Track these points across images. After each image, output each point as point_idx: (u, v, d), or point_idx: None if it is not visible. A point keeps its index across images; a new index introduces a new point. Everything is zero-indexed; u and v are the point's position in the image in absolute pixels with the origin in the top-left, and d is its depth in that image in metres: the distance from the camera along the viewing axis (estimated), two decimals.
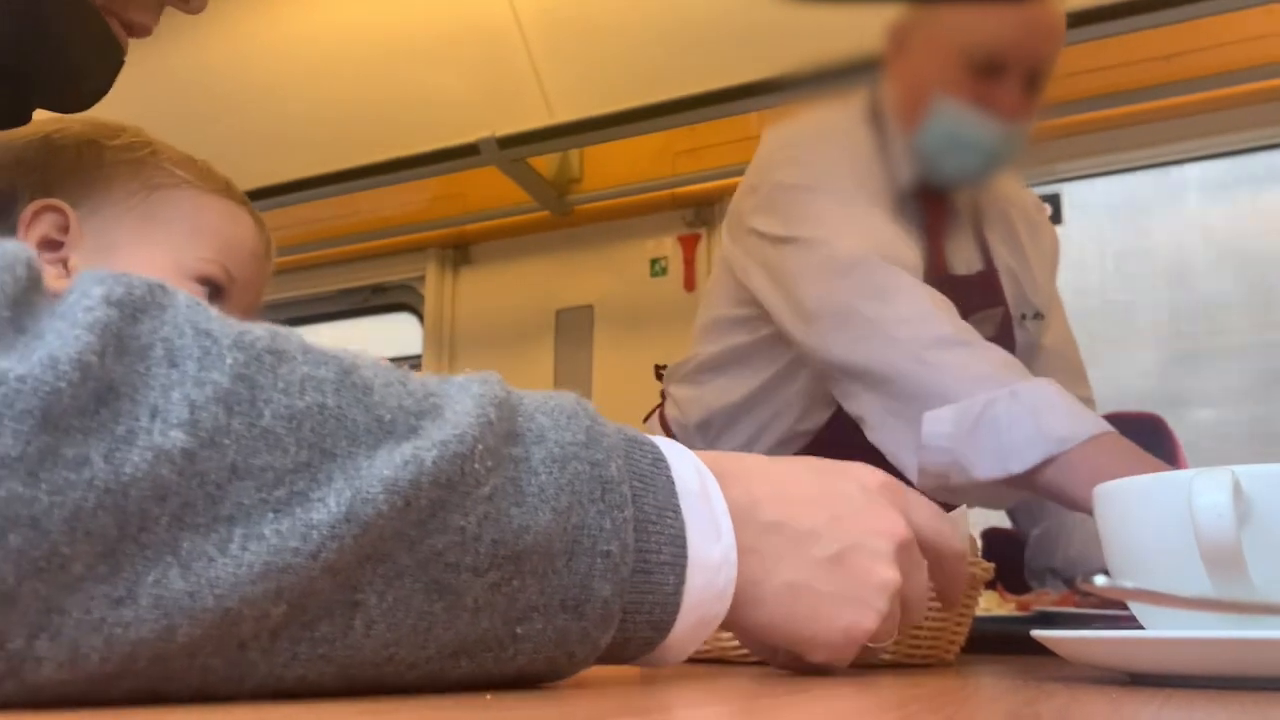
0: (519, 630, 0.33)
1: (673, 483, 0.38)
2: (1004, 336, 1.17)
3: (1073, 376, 1.25)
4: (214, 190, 0.73)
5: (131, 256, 0.67)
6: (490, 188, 2.41)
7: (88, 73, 0.59)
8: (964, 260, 1.19)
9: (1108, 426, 0.82)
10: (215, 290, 0.70)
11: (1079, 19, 1.64)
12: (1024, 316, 1.21)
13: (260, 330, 0.29)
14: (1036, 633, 0.49)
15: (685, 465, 0.39)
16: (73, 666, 0.25)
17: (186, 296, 0.29)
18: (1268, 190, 1.97)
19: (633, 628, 0.37)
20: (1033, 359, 1.21)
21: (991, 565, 0.67)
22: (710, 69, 1.87)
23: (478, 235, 2.58)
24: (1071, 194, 2.10)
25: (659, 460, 0.39)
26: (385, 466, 0.29)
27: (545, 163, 2.39)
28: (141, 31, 0.59)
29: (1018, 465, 0.82)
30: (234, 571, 0.26)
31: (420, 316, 2.66)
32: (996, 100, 1.06)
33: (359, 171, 2.23)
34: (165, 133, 0.74)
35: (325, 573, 0.28)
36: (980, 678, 0.51)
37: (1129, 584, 0.48)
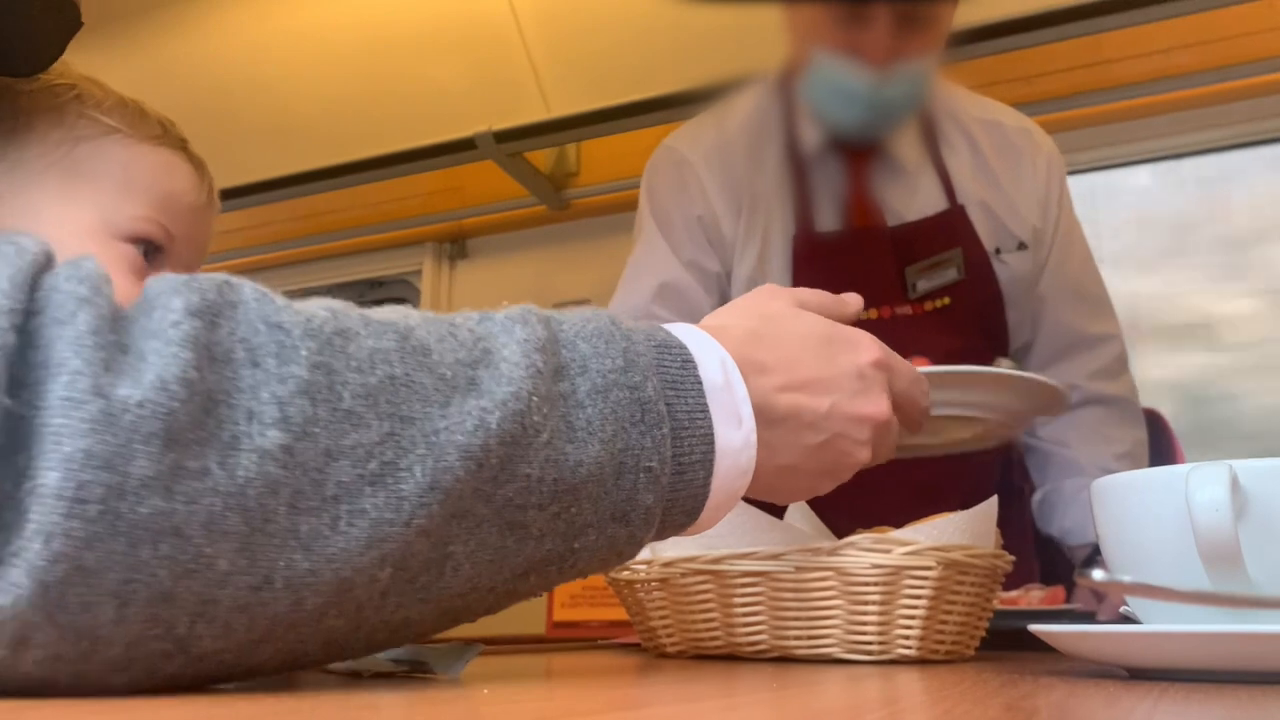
0: (576, 545, 0.37)
1: (700, 383, 0.41)
2: (977, 278, 1.12)
3: (1091, 310, 1.18)
4: (147, 138, 0.66)
5: (56, 217, 0.61)
6: (487, 182, 2.40)
7: (41, 33, 0.54)
8: (917, 203, 1.12)
9: None
10: (152, 248, 0.64)
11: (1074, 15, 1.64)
12: (998, 250, 1.13)
13: (324, 311, 0.33)
14: (1034, 627, 0.49)
15: (711, 360, 0.43)
16: (226, 639, 0.29)
17: (252, 288, 0.32)
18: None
19: (669, 519, 0.41)
20: (1029, 293, 1.15)
21: (1013, 559, 0.65)
22: (708, 64, 1.87)
23: (474, 229, 2.57)
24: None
25: (687, 362, 0.42)
26: (458, 432, 0.32)
27: (542, 157, 2.38)
28: None
29: None
30: (345, 547, 0.30)
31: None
32: (864, 47, 1.00)
33: (355, 165, 2.23)
34: None
35: (419, 536, 0.32)
36: (976, 672, 0.51)
37: (1126, 578, 0.48)
